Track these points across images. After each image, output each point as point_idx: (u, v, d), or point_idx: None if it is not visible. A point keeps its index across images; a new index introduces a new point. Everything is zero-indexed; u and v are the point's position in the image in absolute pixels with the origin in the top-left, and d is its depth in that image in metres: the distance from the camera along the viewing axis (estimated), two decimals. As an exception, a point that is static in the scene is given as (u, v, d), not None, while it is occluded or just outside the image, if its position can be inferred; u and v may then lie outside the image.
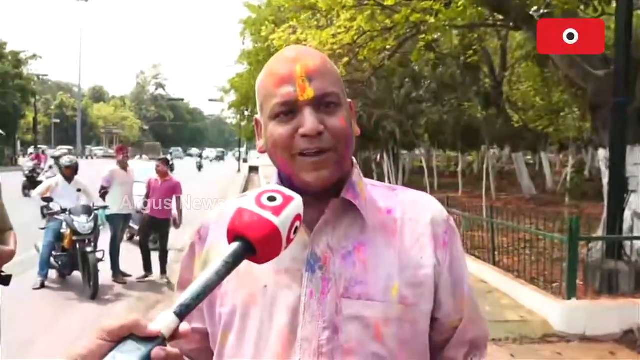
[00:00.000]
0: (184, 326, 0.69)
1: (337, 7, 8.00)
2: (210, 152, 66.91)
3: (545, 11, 7.44)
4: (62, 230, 6.96)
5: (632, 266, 5.86)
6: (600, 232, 6.89)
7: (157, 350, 0.65)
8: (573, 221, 5.49)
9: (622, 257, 5.96)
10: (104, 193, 7.57)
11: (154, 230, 7.76)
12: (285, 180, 1.00)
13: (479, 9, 7.38)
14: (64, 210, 6.80)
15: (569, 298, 5.43)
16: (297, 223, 0.79)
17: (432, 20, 6.87)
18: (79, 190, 7.36)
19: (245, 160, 47.09)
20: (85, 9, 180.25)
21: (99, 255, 6.87)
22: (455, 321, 1.01)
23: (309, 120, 0.92)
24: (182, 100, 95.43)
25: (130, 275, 7.53)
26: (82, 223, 6.72)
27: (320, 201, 0.96)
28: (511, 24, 8.37)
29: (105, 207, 7.29)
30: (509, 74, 17.52)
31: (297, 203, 0.80)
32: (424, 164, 20.14)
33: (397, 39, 8.56)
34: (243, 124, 29.27)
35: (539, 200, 15.29)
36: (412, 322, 0.95)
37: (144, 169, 10.57)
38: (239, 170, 36.34)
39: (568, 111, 16.45)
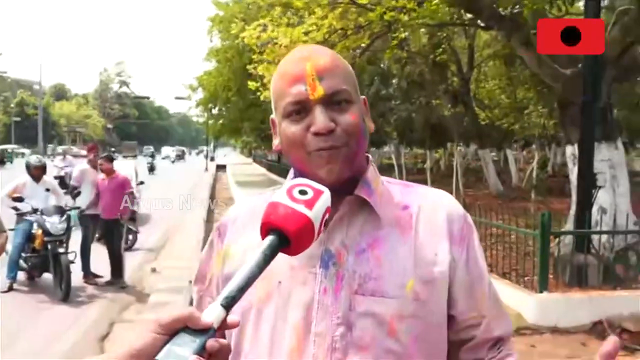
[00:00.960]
0: (232, 318, 0.71)
1: (313, 4, 8.00)
2: (169, 151, 62.90)
3: (516, 10, 7.59)
4: (32, 231, 6.79)
5: (600, 259, 6.04)
6: (568, 227, 7.08)
7: (211, 342, 0.67)
8: (544, 216, 5.62)
9: (591, 251, 6.13)
10: (76, 193, 7.41)
11: (105, 232, 7.42)
12: (300, 177, 0.99)
13: (451, 8, 7.48)
14: (35, 211, 6.64)
15: (541, 291, 5.56)
16: (327, 216, 0.82)
17: (406, 18, 6.94)
18: (47, 190, 7.25)
19: (212, 159, 46.74)
20: (47, 4, 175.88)
21: (70, 256, 6.73)
22: (472, 319, 1.01)
23: (319, 118, 0.94)
24: (148, 98, 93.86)
25: (101, 277, 7.38)
26: (55, 223, 6.57)
27: (335, 198, 0.96)
28: (482, 23, 8.51)
29: (77, 208, 7.15)
30: (476, 72, 17.82)
31: (326, 196, 0.82)
32: (394, 161, 20.32)
33: (370, 37, 8.62)
34: (211, 122, 28.98)
35: (505, 196, 15.58)
36: (427, 318, 0.96)
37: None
38: (206, 169, 36.02)
39: (533, 109, 16.83)
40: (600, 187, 6.52)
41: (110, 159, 7.45)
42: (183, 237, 10.17)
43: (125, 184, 7.33)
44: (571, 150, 7.28)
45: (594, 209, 6.46)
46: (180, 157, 61.00)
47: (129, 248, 9.21)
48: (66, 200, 7.44)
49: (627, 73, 12.55)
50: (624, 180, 7.02)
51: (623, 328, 5.17)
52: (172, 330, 0.68)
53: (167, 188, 20.76)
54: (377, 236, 0.98)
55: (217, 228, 1.10)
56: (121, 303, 6.62)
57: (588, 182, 6.27)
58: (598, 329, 5.27)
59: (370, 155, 1.06)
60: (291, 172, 1.06)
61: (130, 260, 8.07)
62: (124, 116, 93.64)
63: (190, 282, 6.82)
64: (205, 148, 71.27)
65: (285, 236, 0.77)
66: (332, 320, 0.93)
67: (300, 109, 0.96)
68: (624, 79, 12.81)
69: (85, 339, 5.42)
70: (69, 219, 6.90)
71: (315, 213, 0.79)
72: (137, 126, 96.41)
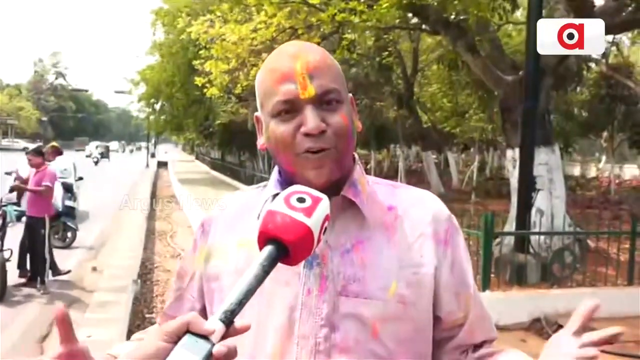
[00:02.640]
0: (242, 322, 0.70)
1: (265, 2, 7.96)
2: (92, 148, 47.99)
3: (462, 17, 7.82)
4: (-34, 228, 6.47)
5: (538, 259, 6.30)
6: (507, 228, 7.35)
7: (218, 348, 0.66)
8: (488, 217, 5.81)
9: (530, 251, 6.38)
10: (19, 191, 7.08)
11: (27, 230, 6.83)
12: (286, 177, 0.99)
13: (400, 11, 7.62)
14: (-33, 206, 6.33)
15: (484, 290, 5.74)
16: (326, 223, 0.80)
17: (357, 20, 7.03)
18: None
19: (153, 155, 45.70)
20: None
21: (6, 254, 6.43)
22: (459, 319, 1.01)
23: (310, 119, 0.91)
24: (86, 91, 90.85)
25: (69, 271, 7.12)
26: (-11, 220, 6.28)
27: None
28: (429, 27, 8.71)
29: (15, 203, 6.84)
30: (419, 76, 18.21)
31: (325, 203, 0.80)
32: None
33: (321, 37, 8.67)
34: (152, 117, 28.35)
35: (446, 198, 15.87)
36: (411, 321, 0.95)
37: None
38: (147, 166, 35.24)
39: (473, 113, 17.37)
40: (539, 190, 6.81)
41: (39, 153, 6.94)
42: (124, 235, 9.91)
43: (46, 177, 6.64)
44: (511, 154, 7.56)
45: (533, 211, 6.74)
46: (104, 155, 46.76)
47: (68, 246, 8.92)
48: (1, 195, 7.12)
49: (563, 81, 13.21)
50: (560, 183, 7.35)
51: (560, 325, 5.41)
52: (177, 338, 0.67)
53: (107, 184, 20.19)
54: (362, 237, 0.97)
55: (201, 225, 1.08)
56: (62, 302, 6.38)
57: (527, 185, 6.53)
58: (536, 326, 5.50)
59: (356, 155, 1.04)
60: (275, 172, 1.04)
61: (70, 258, 7.80)
62: (60, 109, 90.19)
63: (134, 280, 6.68)
64: (141, 144, 69.93)
65: (284, 246, 0.75)
66: (315, 321, 0.92)
67: (289, 108, 0.93)
68: (560, 87, 13.45)
69: (24, 340, 5.19)
70: (4, 215, 6.60)
71: (315, 221, 0.77)
72: (74, 120, 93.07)
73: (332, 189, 0.94)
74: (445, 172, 23.47)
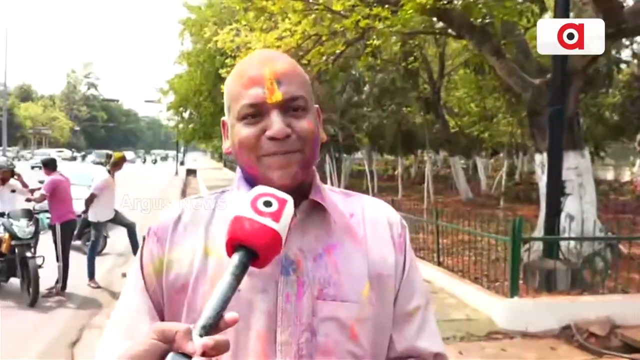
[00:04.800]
0: (231, 315, 0.72)
1: (289, 10, 8.02)
2: (95, 157, 41.62)
3: (487, 21, 7.74)
4: (-1, 235, 6.63)
5: (568, 265, 6.17)
6: (536, 233, 7.23)
7: (205, 340, 0.68)
8: (516, 223, 5.73)
9: (559, 257, 6.27)
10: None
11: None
12: (249, 180, 1.00)
13: (424, 16, 7.59)
14: (1, 214, 6.49)
15: (512, 296, 5.67)
16: (292, 224, 0.82)
17: (380, 26, 7.02)
18: (13, 191, 7.18)
19: (182, 163, 46.36)
20: (12, 3, 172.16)
21: (38, 261, 6.58)
22: (409, 311, 1.03)
23: (276, 123, 0.93)
24: (117, 101, 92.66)
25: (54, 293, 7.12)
26: (22, 227, 6.43)
27: None
28: (453, 32, 8.65)
29: (46, 211, 7.01)
30: (446, 80, 18.06)
31: (291, 205, 0.82)
32: (366, 168, 20.43)
33: (345, 43, 8.68)
34: (181, 126, 28.68)
35: (475, 203, 15.81)
36: (380, 321, 0.99)
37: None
38: (176, 173, 35.75)
39: (501, 117, 17.14)
40: (568, 195, 6.69)
41: (45, 164, 7.32)
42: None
43: (45, 186, 6.98)
44: (540, 159, 7.45)
45: (562, 216, 6.62)
46: (101, 163, 28.63)
47: (99, 253, 9.07)
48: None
49: (592, 84, 12.96)
50: (590, 188, 7.21)
51: (590, 332, 5.30)
52: (169, 339, 0.68)
53: (136, 191, 20.47)
54: (331, 242, 0.99)
55: (155, 233, 1.02)
56: (91, 308, 6.50)
57: (556, 190, 6.42)
58: (566, 333, 5.39)
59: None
60: (238, 174, 1.04)
61: (101, 265, 7.96)
62: (91, 119, 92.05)
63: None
64: (167, 153, 70.38)
65: (253, 251, 0.77)
66: (296, 327, 0.93)
67: (255, 112, 0.94)
68: (589, 89, 13.21)
69: (55, 345, 5.30)
70: (37, 222, 6.77)
71: (282, 225, 0.79)
72: (105, 129, 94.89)
73: (295, 193, 0.92)
74: (473, 177, 23.20)
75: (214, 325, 0.70)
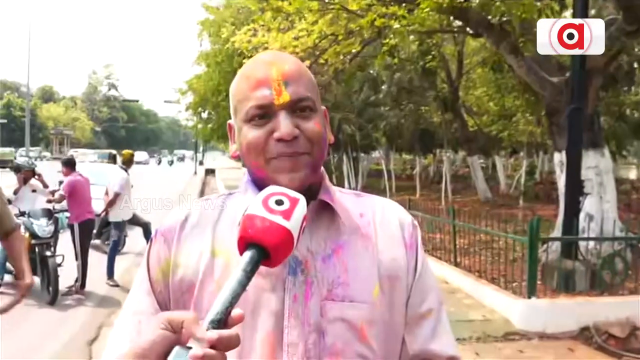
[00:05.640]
0: (236, 311, 0.71)
1: (304, 10, 8.03)
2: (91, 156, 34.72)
3: (505, 19, 7.67)
4: (20, 234, 6.73)
5: (587, 265, 6.09)
6: (555, 233, 7.15)
7: (210, 333, 0.68)
8: (533, 222, 5.68)
9: (578, 257, 6.19)
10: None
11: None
12: (257, 183, 0.99)
13: (440, 15, 7.54)
14: (22, 214, 6.60)
15: (529, 297, 5.61)
16: (304, 223, 0.81)
17: (397, 25, 7.00)
18: (33, 191, 7.30)
19: (201, 163, 46.71)
20: (34, 5, 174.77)
21: (58, 259, 6.68)
22: (423, 313, 1.02)
23: (284, 124, 0.92)
24: (136, 101, 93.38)
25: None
26: (42, 226, 6.53)
27: None
28: (471, 30, 8.58)
29: (65, 211, 7.12)
30: (464, 79, 17.92)
31: (303, 204, 0.81)
32: (383, 167, 20.37)
33: (361, 43, 8.66)
34: (200, 125, 28.87)
35: (493, 203, 15.69)
36: (391, 322, 0.97)
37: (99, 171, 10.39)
38: (195, 173, 36.02)
39: (520, 116, 16.95)
40: (587, 194, 6.60)
41: (64, 163, 7.45)
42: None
43: (64, 187, 7.13)
44: (559, 158, 7.36)
45: (582, 216, 6.53)
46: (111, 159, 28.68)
47: (118, 252, 9.18)
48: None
49: (613, 82, 12.76)
50: (611, 187, 7.11)
51: (610, 334, 5.23)
52: (176, 328, 0.68)
53: (156, 191, 20.67)
54: (340, 242, 0.98)
55: (162, 234, 1.02)
56: (109, 306, 6.57)
57: (575, 189, 6.34)
58: (585, 335, 5.32)
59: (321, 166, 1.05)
60: (246, 177, 1.03)
61: (119, 263, 8.04)
62: (112, 119, 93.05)
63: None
64: (184, 153, 70.19)
65: (264, 250, 0.76)
66: (304, 328, 0.92)
67: (263, 114, 0.94)
68: (610, 87, 13.00)
69: (73, 343, 5.38)
70: (56, 221, 6.87)
71: (294, 223, 0.78)
72: (125, 129, 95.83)
73: (305, 194, 0.92)
74: (493, 177, 23.00)
75: (223, 321, 0.69)
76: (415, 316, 1.01)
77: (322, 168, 1.04)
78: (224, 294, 0.71)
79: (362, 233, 1.00)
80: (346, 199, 1.05)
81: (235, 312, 0.71)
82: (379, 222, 1.03)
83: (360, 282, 0.95)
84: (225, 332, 0.68)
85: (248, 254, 0.75)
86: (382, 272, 0.98)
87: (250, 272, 0.74)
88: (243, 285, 0.73)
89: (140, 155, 47.88)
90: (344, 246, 0.98)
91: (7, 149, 46.03)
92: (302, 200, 0.81)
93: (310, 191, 0.97)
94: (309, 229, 0.95)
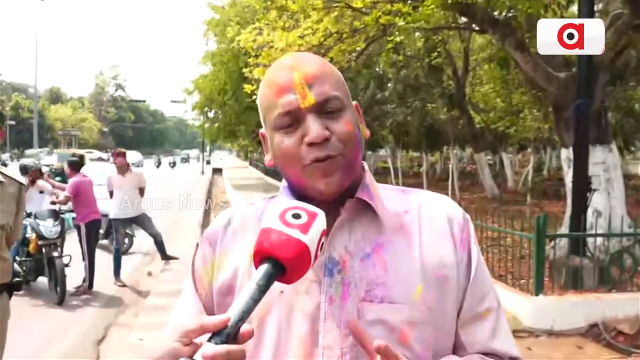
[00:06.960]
0: (246, 327, 0.72)
1: (309, 8, 8.02)
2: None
3: (510, 14, 7.62)
4: (27, 235, 6.76)
5: (595, 262, 6.05)
6: (563, 230, 7.10)
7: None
8: (540, 219, 5.64)
9: (586, 254, 6.14)
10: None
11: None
12: (295, 191, 0.98)
13: (446, 11, 7.51)
14: (29, 215, 6.64)
15: (537, 294, 5.57)
16: (323, 239, 0.79)
17: (401, 22, 6.96)
18: (41, 192, 7.34)
19: (208, 162, 46.78)
20: (42, 7, 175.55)
21: (65, 260, 6.71)
22: (481, 313, 0.98)
23: (313, 127, 0.90)
24: (143, 101, 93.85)
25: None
26: (49, 227, 6.57)
27: (334, 204, 0.94)
28: (476, 26, 8.54)
29: (71, 211, 7.15)
30: (471, 76, 17.85)
31: (321, 218, 0.79)
32: (390, 165, 20.34)
33: (366, 40, 8.64)
34: (207, 125, 28.97)
35: (501, 200, 15.62)
36: (437, 324, 0.93)
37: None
38: (202, 172, 36.12)
39: (528, 112, 16.88)
40: (594, 190, 6.55)
41: (70, 164, 7.44)
42: (178, 241, 10.15)
43: (68, 188, 7.16)
44: (566, 154, 7.31)
45: (589, 212, 6.48)
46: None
47: (125, 252, 9.21)
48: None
49: (621, 77, 12.67)
50: (618, 183, 7.05)
51: (618, 330, 5.19)
52: (191, 339, 0.69)
53: (164, 190, 20.73)
54: (380, 241, 0.95)
55: (206, 238, 1.04)
56: (117, 307, 6.60)
57: (583, 185, 6.29)
58: (594, 332, 5.28)
59: (365, 163, 1.03)
60: (283, 187, 1.02)
61: (127, 264, 8.08)
62: (119, 120, 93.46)
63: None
64: (188, 153, 69.99)
65: (280, 264, 0.74)
66: (340, 330, 0.89)
67: (292, 120, 0.92)
68: (618, 82, 12.92)
69: (81, 343, 5.40)
70: (62, 222, 6.90)
71: (311, 237, 0.76)
72: (133, 130, 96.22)
73: (344, 193, 0.93)
74: (500, 173, 22.91)
75: (232, 335, 0.68)
76: (473, 316, 0.97)
77: (365, 164, 1.02)
78: (235, 309, 0.70)
79: (405, 231, 0.97)
80: (390, 196, 1.02)
81: (244, 328, 0.70)
82: (425, 218, 0.99)
83: (400, 282, 0.92)
84: (220, 349, 0.68)
85: (262, 268, 0.74)
86: (427, 271, 0.94)
87: (264, 287, 0.72)
88: (255, 300, 0.71)
89: (132, 155, 36.78)
90: (384, 245, 0.95)
91: (34, 150, 46.01)
92: (322, 215, 0.80)
93: (350, 189, 0.96)
94: (347, 228, 0.94)
